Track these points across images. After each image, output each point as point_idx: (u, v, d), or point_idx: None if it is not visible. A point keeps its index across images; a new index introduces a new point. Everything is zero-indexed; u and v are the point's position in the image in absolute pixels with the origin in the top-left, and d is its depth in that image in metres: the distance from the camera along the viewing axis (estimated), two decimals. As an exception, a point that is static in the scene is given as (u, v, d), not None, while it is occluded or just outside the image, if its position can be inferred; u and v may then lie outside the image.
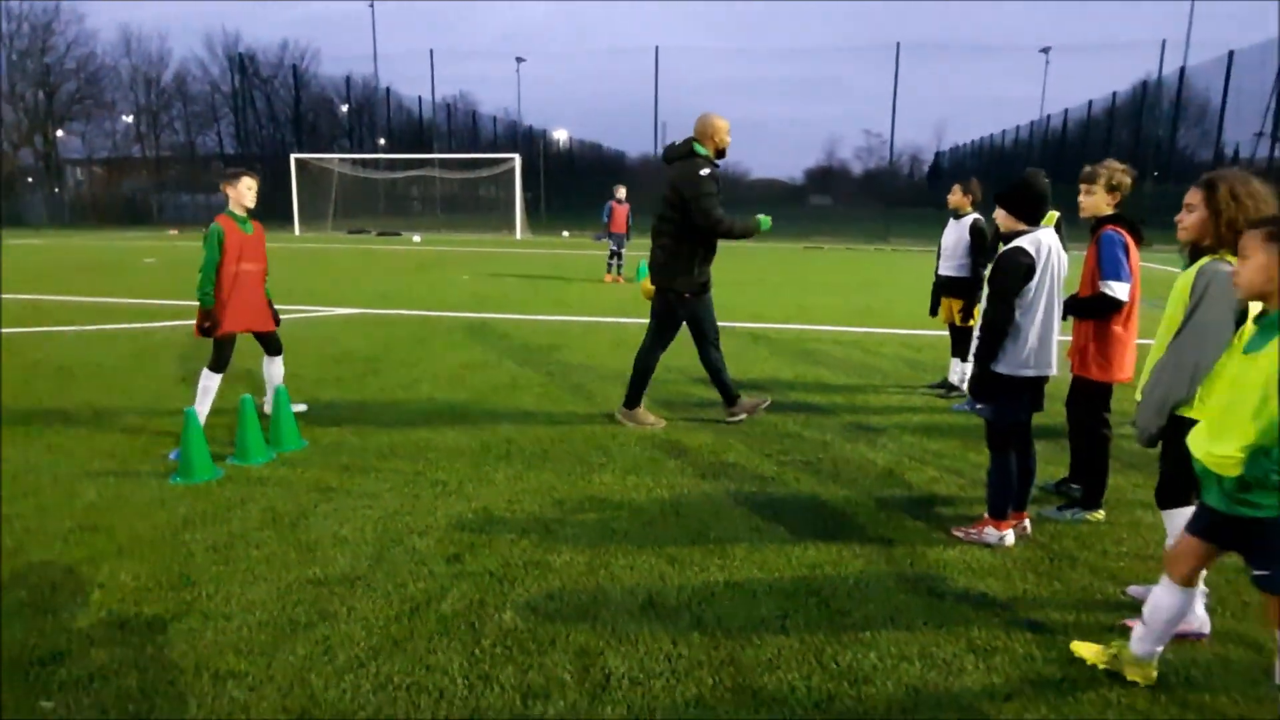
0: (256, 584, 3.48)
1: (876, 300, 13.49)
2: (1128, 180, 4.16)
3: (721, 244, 5.92)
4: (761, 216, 5.84)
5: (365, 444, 5.42)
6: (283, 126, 49.07)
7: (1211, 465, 2.45)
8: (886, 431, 5.92)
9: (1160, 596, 2.74)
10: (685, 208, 5.54)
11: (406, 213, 42.04)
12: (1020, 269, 3.68)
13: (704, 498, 4.58)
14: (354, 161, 38.70)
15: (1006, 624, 3.25)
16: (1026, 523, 4.10)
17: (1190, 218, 3.15)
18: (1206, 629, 3.17)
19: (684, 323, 5.91)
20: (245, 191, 5.43)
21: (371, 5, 52.47)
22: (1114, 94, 44.06)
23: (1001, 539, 3.97)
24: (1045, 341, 3.79)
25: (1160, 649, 2.84)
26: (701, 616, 3.28)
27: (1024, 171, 3.87)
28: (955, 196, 6.97)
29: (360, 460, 5.09)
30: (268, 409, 5.82)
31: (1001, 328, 3.72)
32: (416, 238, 30.63)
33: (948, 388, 7.09)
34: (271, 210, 38.22)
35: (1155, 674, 2.84)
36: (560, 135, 58.89)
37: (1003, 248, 3.82)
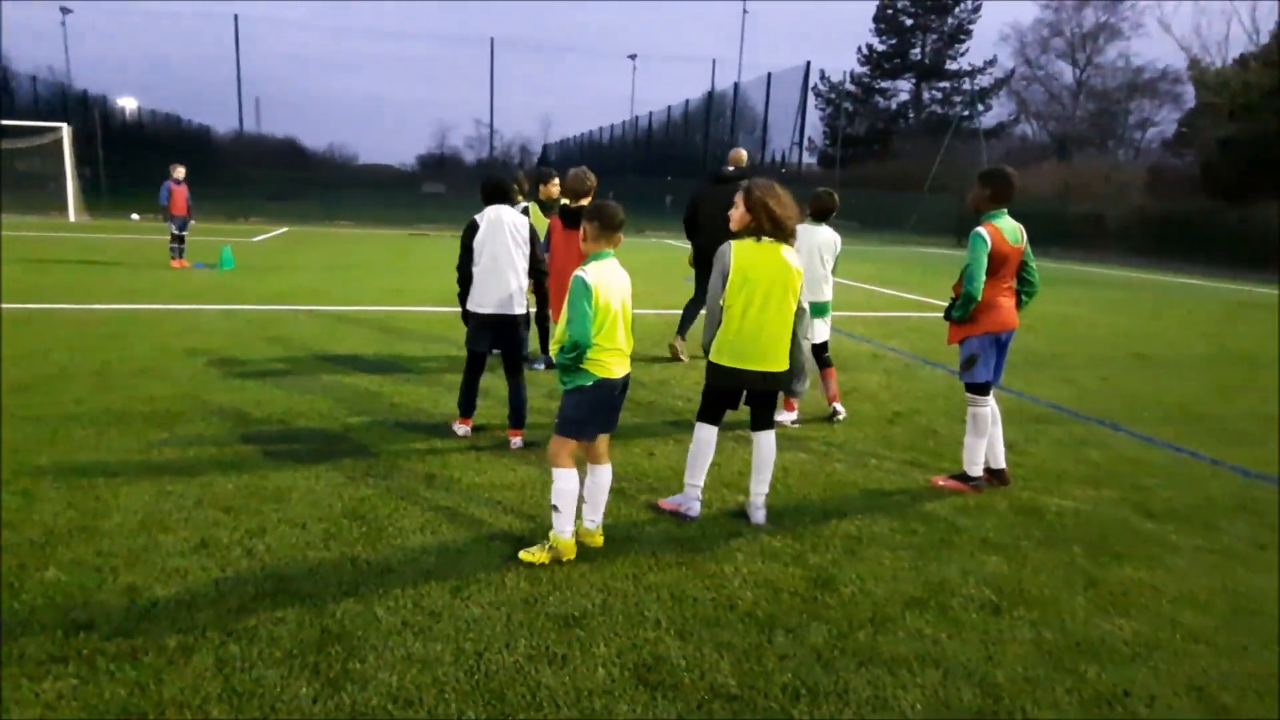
0: None
1: (469, 282, 14.47)
2: (588, 185, 6.50)
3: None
4: None
5: None
6: None
7: (554, 354, 3.80)
8: (452, 390, 6.77)
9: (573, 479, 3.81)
10: None
11: (-93, 188, 33.67)
12: (468, 232, 5.26)
13: (265, 455, 4.99)
14: None
15: (490, 503, 4.25)
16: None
17: (736, 213, 4.27)
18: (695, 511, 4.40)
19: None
20: None
21: None
22: (687, 101, 50.64)
23: (467, 432, 5.58)
24: (495, 287, 5.27)
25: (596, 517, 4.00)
26: (252, 549, 3.78)
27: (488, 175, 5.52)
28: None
29: None
30: None
31: (461, 274, 5.31)
32: (-75, 218, 24.89)
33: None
34: None
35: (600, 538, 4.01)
36: (127, 104, 51.24)
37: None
